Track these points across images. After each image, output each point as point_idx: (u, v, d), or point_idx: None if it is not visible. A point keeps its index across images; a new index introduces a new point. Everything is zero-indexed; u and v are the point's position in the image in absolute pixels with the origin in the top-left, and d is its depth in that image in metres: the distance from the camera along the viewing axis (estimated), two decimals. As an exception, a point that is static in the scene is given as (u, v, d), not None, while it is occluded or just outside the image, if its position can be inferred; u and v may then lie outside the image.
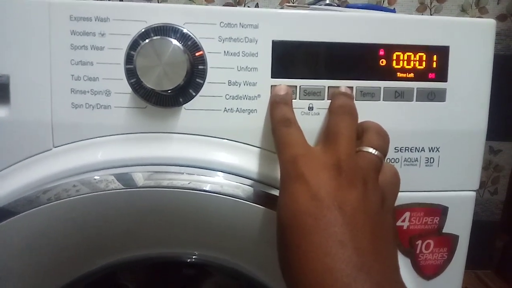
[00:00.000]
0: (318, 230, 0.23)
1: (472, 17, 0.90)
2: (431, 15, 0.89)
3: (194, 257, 0.35)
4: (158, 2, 0.86)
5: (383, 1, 0.89)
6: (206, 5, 0.86)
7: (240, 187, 0.30)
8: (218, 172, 0.31)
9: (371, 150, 0.27)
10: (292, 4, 0.84)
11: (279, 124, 0.29)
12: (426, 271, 0.35)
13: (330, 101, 0.31)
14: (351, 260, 0.21)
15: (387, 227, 0.25)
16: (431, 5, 0.90)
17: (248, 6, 0.87)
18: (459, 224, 0.35)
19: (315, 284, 0.21)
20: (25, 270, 0.31)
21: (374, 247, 0.23)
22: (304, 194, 0.24)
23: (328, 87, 0.31)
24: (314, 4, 0.47)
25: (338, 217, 0.23)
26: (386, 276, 0.22)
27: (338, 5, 0.47)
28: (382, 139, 0.28)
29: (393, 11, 0.46)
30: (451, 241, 0.35)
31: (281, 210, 0.25)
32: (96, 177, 0.29)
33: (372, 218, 0.24)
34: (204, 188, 0.29)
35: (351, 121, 0.28)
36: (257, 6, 0.87)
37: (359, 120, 0.30)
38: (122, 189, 0.29)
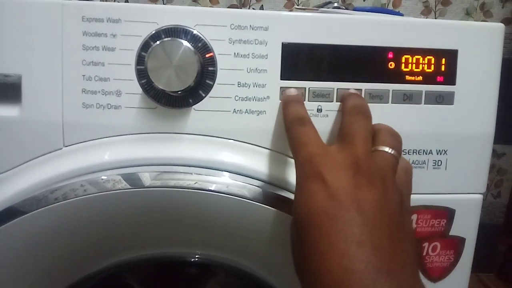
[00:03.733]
0: (335, 230, 0.22)
1: (476, 20, 0.90)
2: (435, 18, 0.89)
3: (197, 256, 0.35)
4: (164, 4, 0.86)
5: (388, 4, 0.89)
6: (212, 6, 0.86)
7: (246, 187, 0.30)
8: (225, 172, 0.31)
9: (387, 149, 0.26)
10: (301, 7, 0.84)
11: (293, 123, 0.28)
12: (432, 274, 0.35)
13: (339, 103, 0.31)
14: (370, 261, 0.21)
15: (406, 227, 0.24)
16: (435, 8, 0.90)
17: (253, 8, 0.87)
18: (466, 226, 0.35)
19: (333, 286, 0.21)
20: (31, 269, 0.31)
21: (393, 248, 0.22)
22: (322, 193, 0.23)
23: (337, 89, 0.31)
24: (322, 7, 0.47)
25: (357, 217, 0.22)
26: (405, 278, 0.22)
27: (346, 8, 0.47)
28: (396, 139, 0.28)
29: (401, 14, 0.46)
30: (457, 244, 0.35)
31: (297, 210, 0.24)
32: (103, 177, 0.29)
33: (392, 218, 0.23)
34: (210, 188, 0.29)
35: (365, 121, 0.28)
36: (261, 8, 0.87)
37: None
38: (128, 189, 0.29)
